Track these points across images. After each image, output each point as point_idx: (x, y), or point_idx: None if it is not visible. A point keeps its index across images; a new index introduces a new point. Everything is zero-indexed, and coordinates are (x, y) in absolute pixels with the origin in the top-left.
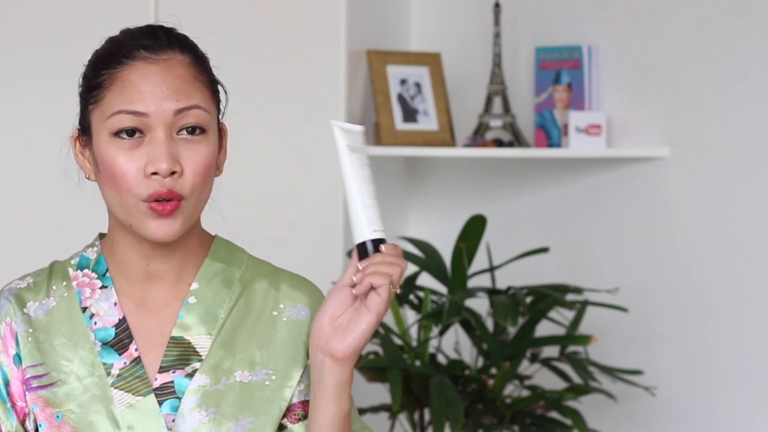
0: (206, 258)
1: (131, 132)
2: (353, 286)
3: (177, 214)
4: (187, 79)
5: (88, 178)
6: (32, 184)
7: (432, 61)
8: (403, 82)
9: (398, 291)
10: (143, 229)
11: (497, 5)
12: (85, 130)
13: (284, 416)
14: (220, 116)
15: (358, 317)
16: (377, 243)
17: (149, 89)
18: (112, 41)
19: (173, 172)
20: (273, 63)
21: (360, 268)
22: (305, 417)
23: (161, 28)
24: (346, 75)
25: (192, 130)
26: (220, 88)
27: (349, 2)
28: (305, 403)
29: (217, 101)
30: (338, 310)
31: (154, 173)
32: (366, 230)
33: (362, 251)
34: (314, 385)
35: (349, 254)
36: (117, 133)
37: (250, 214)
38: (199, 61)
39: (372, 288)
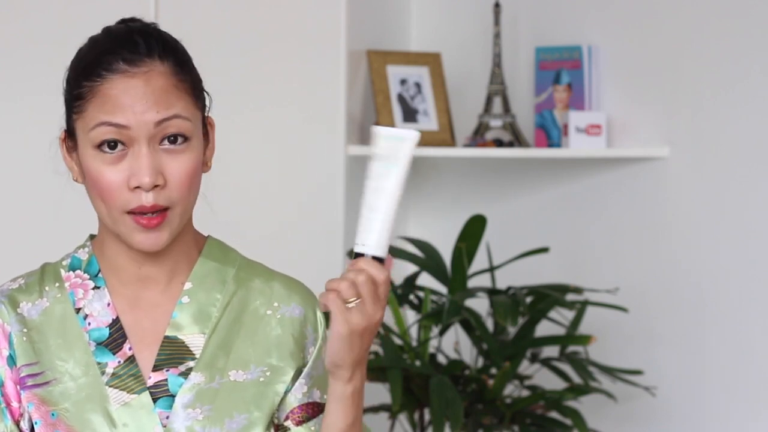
0: (200, 257)
1: (114, 145)
2: None
3: (164, 225)
4: (167, 88)
5: (75, 181)
6: (32, 185)
7: (432, 61)
8: (403, 82)
9: (350, 305)
10: (130, 240)
11: (497, 5)
12: (70, 134)
13: (286, 418)
14: (207, 111)
15: (331, 334)
16: (357, 256)
17: (130, 103)
18: (92, 46)
19: (156, 185)
20: (273, 63)
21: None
22: (309, 419)
23: (141, 31)
24: (346, 75)
25: (174, 139)
26: (209, 88)
27: (349, 2)
28: (309, 405)
29: (202, 102)
30: None
31: (137, 187)
32: (356, 241)
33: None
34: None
35: (350, 254)
36: (100, 146)
37: (251, 214)
38: (179, 67)
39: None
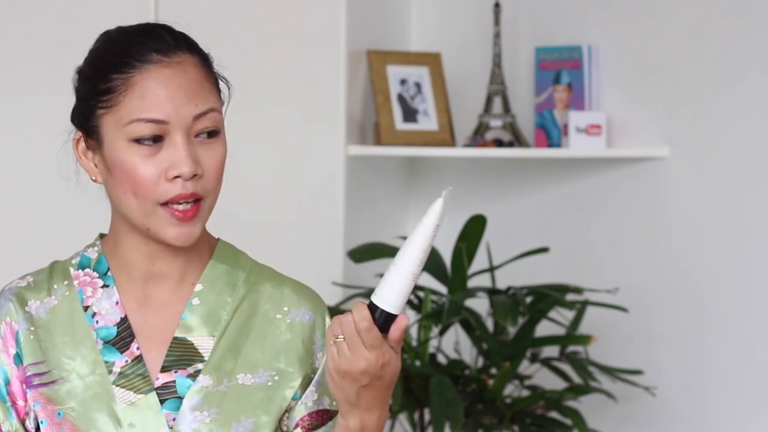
0: (211, 260)
1: (150, 138)
2: None
3: (197, 218)
4: (200, 80)
5: (94, 181)
6: (32, 185)
7: (432, 61)
8: (403, 82)
9: (332, 341)
10: (162, 234)
11: (497, 5)
12: (90, 134)
13: (296, 426)
14: (224, 109)
15: None
16: (372, 304)
17: (168, 95)
18: (111, 41)
19: (195, 175)
20: (273, 63)
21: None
22: (318, 426)
23: (162, 27)
24: (346, 75)
25: (208, 132)
26: (223, 84)
27: (349, 2)
28: (320, 413)
29: (221, 98)
30: None
31: (177, 177)
32: (375, 290)
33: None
34: None
35: (350, 254)
36: (136, 140)
37: (251, 214)
38: (205, 61)
39: None
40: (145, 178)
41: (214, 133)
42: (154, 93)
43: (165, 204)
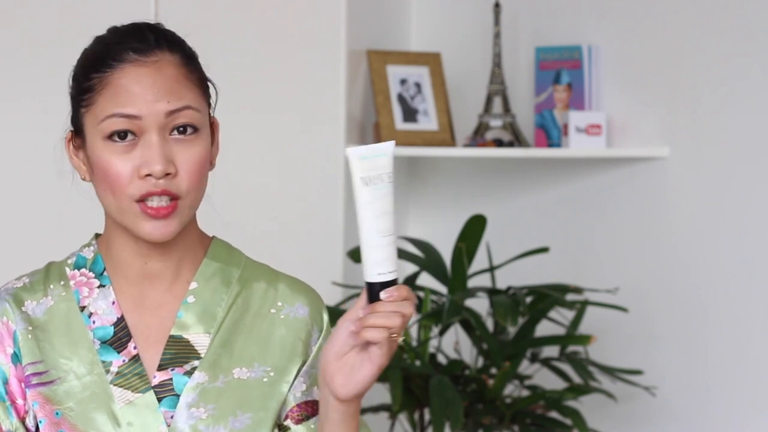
0: (205, 257)
1: (124, 135)
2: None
3: (173, 216)
4: (178, 79)
5: (83, 179)
6: (37, 185)
7: (432, 61)
8: (403, 82)
9: (400, 340)
10: (138, 230)
11: (497, 5)
12: (78, 132)
13: (286, 417)
14: (211, 111)
15: (362, 364)
16: (383, 285)
17: (140, 92)
18: (100, 41)
19: (167, 174)
20: (273, 63)
21: (360, 314)
22: (308, 417)
23: (148, 26)
24: (346, 75)
25: (184, 129)
26: (210, 84)
27: (349, 2)
28: (309, 404)
29: (208, 97)
30: (344, 348)
31: (149, 175)
32: (370, 272)
33: (369, 291)
34: (321, 413)
35: (350, 254)
36: (110, 137)
37: (251, 214)
38: (188, 60)
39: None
40: (118, 175)
41: (190, 131)
42: (127, 90)
43: (138, 201)
